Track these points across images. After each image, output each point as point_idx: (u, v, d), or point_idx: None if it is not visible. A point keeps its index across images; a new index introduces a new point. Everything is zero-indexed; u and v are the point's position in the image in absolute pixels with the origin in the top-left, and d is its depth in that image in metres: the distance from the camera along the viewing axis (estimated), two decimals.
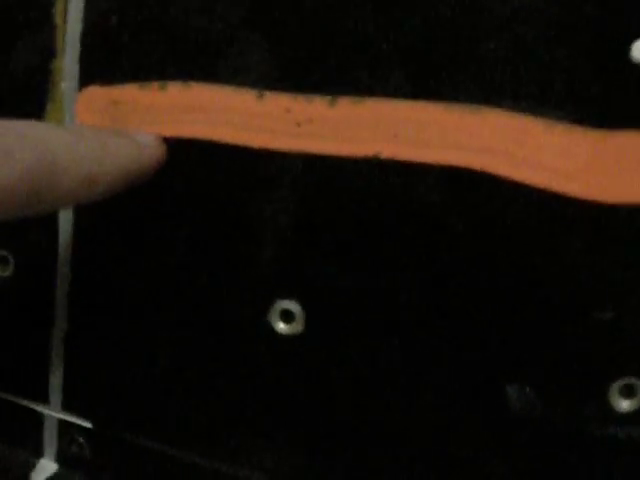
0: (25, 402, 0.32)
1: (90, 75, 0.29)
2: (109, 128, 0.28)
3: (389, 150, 0.26)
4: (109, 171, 0.26)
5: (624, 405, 0.27)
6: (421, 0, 0.26)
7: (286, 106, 0.27)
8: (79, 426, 0.31)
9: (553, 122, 0.25)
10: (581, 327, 0.26)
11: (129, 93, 0.28)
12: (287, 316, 0.28)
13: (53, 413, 0.31)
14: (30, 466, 0.32)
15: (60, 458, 0.32)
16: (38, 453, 0.32)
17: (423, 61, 0.26)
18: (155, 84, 0.28)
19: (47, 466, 0.32)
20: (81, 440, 0.31)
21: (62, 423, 0.31)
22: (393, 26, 0.26)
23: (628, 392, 0.27)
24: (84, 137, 0.25)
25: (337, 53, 0.27)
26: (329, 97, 0.27)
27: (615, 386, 0.27)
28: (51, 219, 0.30)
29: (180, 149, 0.28)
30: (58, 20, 0.29)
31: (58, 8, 0.29)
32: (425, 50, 0.26)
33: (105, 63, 0.28)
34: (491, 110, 0.26)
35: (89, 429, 0.30)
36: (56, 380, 0.31)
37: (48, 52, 0.29)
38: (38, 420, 0.31)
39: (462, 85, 0.26)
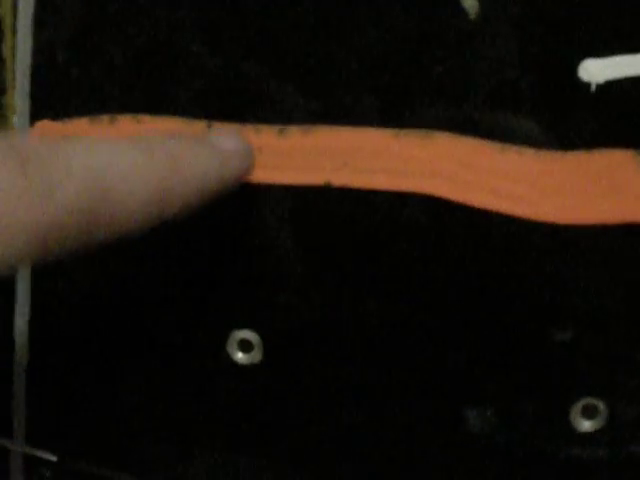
0: None
1: (41, 109, 0.28)
2: (186, 135, 0.25)
3: (339, 178, 0.26)
4: (182, 191, 0.23)
5: (586, 426, 0.27)
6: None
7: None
8: (44, 460, 0.31)
9: (504, 145, 0.25)
10: (541, 348, 0.26)
11: (79, 127, 0.28)
12: (245, 346, 0.28)
13: (17, 447, 0.31)
14: None
15: None
16: None
17: (391, 85, 0.26)
18: (105, 118, 0.28)
19: None
20: (47, 474, 0.31)
21: (27, 457, 0.31)
22: (356, 49, 0.26)
23: (590, 413, 0.27)
24: (150, 153, 0.22)
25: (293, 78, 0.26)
26: (278, 126, 0.26)
27: (576, 407, 0.27)
28: None
29: None
30: (7, 55, 0.29)
31: (7, 43, 0.28)
32: (392, 74, 0.26)
33: (55, 97, 0.28)
34: (441, 135, 0.26)
35: (54, 462, 0.30)
36: (19, 414, 0.31)
37: None
38: (3, 454, 0.31)
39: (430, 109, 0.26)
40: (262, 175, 0.27)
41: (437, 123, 0.26)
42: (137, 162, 0.22)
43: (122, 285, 0.29)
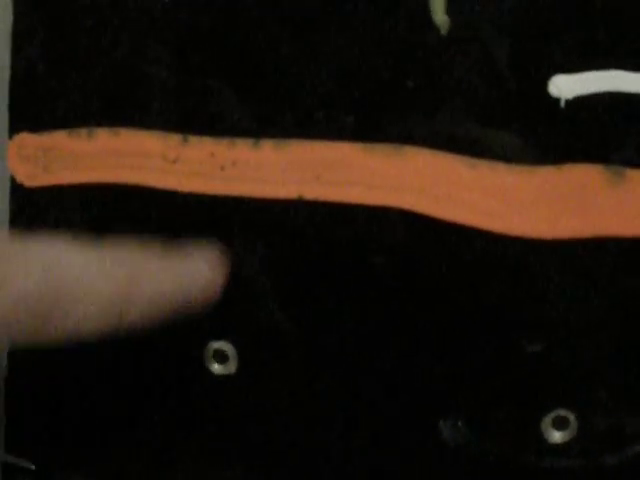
0: None
1: (20, 122, 0.29)
2: (156, 251, 0.24)
3: (312, 192, 0.26)
4: (136, 312, 0.23)
5: (557, 436, 0.27)
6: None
7: (210, 150, 0.27)
8: (22, 468, 0.31)
9: (475, 160, 0.26)
10: (512, 360, 0.27)
11: (58, 140, 0.28)
12: (221, 357, 0.28)
13: None
14: None
15: None
16: None
17: (365, 101, 0.26)
18: (83, 131, 0.28)
19: None
20: None
21: (6, 465, 0.31)
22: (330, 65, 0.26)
23: (561, 424, 0.27)
24: (110, 265, 0.23)
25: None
26: (252, 140, 0.27)
27: (547, 418, 0.27)
28: None
29: (111, 194, 0.28)
30: None
31: None
32: (365, 89, 0.26)
33: (34, 110, 0.29)
34: (412, 150, 0.26)
35: (33, 471, 0.31)
36: None
37: None
38: None
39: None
40: (236, 188, 0.27)
41: (412, 138, 0.26)
42: (97, 277, 0.22)
43: None
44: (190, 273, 0.24)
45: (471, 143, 0.26)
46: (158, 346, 0.29)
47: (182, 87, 0.28)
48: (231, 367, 0.28)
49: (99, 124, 0.28)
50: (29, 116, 0.29)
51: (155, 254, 0.24)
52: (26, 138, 0.29)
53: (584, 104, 0.25)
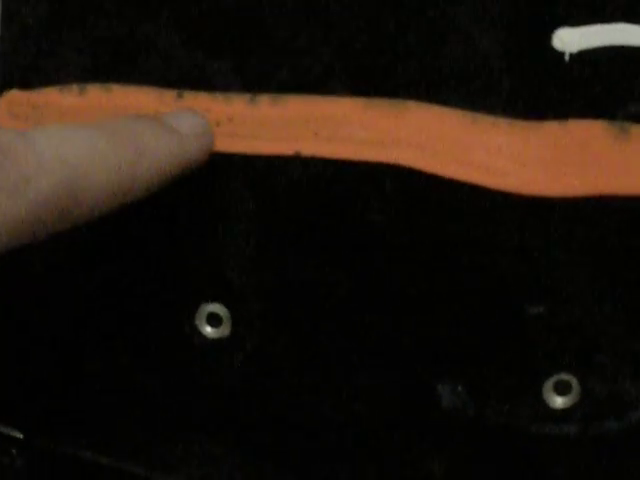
0: None
1: (10, 79, 0.28)
2: (147, 118, 0.25)
3: (309, 148, 0.26)
4: (145, 176, 0.23)
5: (559, 402, 0.26)
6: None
7: (206, 106, 0.26)
8: (10, 437, 0.30)
9: (477, 115, 0.25)
10: (514, 323, 0.26)
11: (49, 97, 0.28)
12: (214, 320, 0.28)
13: None
14: None
15: None
16: None
17: (366, 76, 0.26)
18: (75, 87, 0.27)
19: None
20: (13, 451, 0.30)
21: None
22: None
23: (563, 389, 0.26)
24: (116, 140, 0.23)
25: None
26: (248, 95, 0.26)
27: (549, 383, 0.26)
28: None
29: None
30: None
31: None
32: (367, 65, 0.26)
33: (25, 67, 0.28)
34: (414, 105, 0.25)
35: (21, 439, 0.30)
36: None
37: None
38: None
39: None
40: (232, 144, 0.26)
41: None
42: (101, 149, 0.23)
43: (84, 258, 0.28)
44: (182, 134, 0.25)
45: (473, 102, 0.25)
46: (149, 309, 0.28)
47: (178, 49, 0.27)
48: (224, 331, 0.27)
49: (92, 80, 0.27)
50: (20, 73, 0.28)
51: (149, 121, 0.25)
52: (16, 95, 0.28)
53: (589, 58, 0.25)
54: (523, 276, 0.26)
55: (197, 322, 0.28)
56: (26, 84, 0.28)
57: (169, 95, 0.27)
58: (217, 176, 0.27)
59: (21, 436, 0.30)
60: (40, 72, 0.28)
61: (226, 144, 0.26)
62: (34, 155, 0.21)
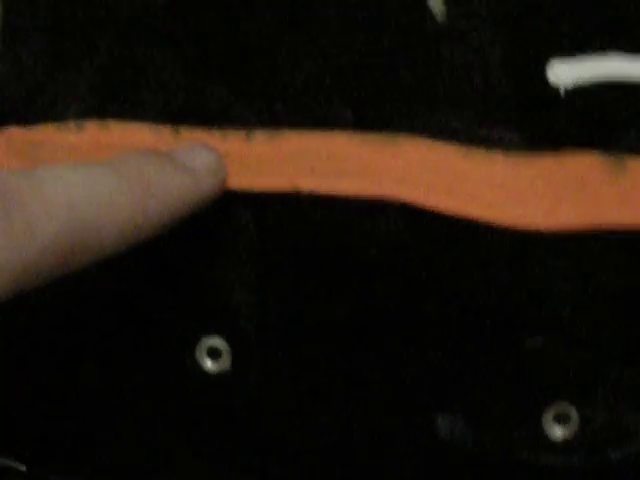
0: None
1: (8, 115, 0.28)
2: (157, 155, 0.24)
3: (307, 184, 0.26)
4: (156, 215, 0.23)
5: (558, 433, 0.26)
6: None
7: (202, 142, 0.26)
8: (14, 469, 0.30)
9: (471, 149, 0.25)
10: (512, 355, 0.26)
11: (47, 134, 0.28)
12: (214, 353, 0.28)
13: None
14: None
15: None
16: None
17: (364, 95, 0.26)
18: (72, 124, 0.27)
19: None
20: None
21: None
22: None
23: (562, 419, 0.26)
24: (124, 179, 0.22)
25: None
26: (245, 131, 0.26)
27: (548, 413, 0.26)
28: None
29: None
30: None
31: None
32: (364, 83, 0.26)
33: (21, 103, 0.28)
34: (408, 139, 0.25)
35: (24, 472, 0.30)
36: None
37: None
38: None
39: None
40: (230, 181, 0.26)
41: (411, 130, 0.26)
42: (109, 191, 0.22)
43: (86, 290, 0.28)
44: (195, 170, 0.24)
45: (469, 134, 0.25)
46: (150, 343, 0.28)
47: (174, 81, 0.27)
48: (224, 364, 0.28)
49: (89, 116, 0.28)
50: (17, 110, 0.28)
51: (160, 159, 0.24)
52: (14, 132, 0.28)
53: (584, 91, 0.25)
54: (521, 308, 0.26)
55: (198, 355, 0.28)
56: (24, 120, 0.28)
57: (166, 131, 0.27)
58: (218, 208, 0.27)
59: (24, 468, 0.30)
60: (37, 108, 0.28)
61: None
62: (41, 200, 0.20)
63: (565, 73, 0.25)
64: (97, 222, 0.21)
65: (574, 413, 0.26)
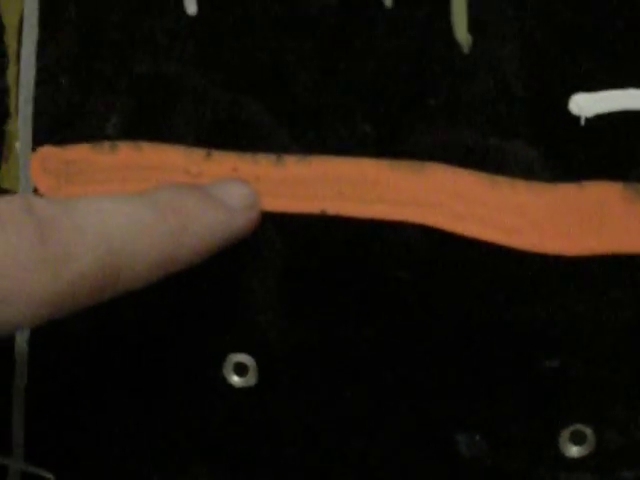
0: None
1: (43, 136, 0.29)
2: (193, 189, 0.24)
3: (335, 207, 0.27)
4: (189, 249, 0.23)
5: (574, 451, 0.27)
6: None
7: (234, 165, 0.27)
8: (43, 478, 0.31)
9: (495, 177, 0.26)
10: (530, 375, 0.27)
11: (81, 154, 0.28)
12: (241, 369, 0.28)
13: (16, 465, 0.31)
14: None
15: None
16: None
17: (386, 115, 0.26)
18: (106, 145, 0.28)
19: None
20: None
21: (26, 476, 0.31)
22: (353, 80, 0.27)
23: (578, 439, 0.27)
24: (159, 212, 0.22)
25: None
26: (275, 156, 0.27)
27: (565, 433, 0.27)
28: None
29: None
30: (11, 82, 0.29)
31: (11, 70, 0.29)
32: (387, 104, 0.26)
33: (57, 123, 0.29)
34: (433, 166, 0.26)
35: None
36: (18, 432, 0.31)
37: (1, 114, 0.29)
38: (1, 472, 0.32)
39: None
40: (262, 203, 0.27)
41: (431, 150, 0.26)
42: (146, 223, 0.22)
43: (119, 309, 0.29)
44: (230, 207, 0.25)
45: (490, 157, 0.26)
46: (178, 359, 0.29)
47: (208, 101, 0.28)
48: (250, 379, 0.28)
49: (122, 137, 0.28)
50: (52, 129, 0.29)
51: (196, 192, 0.24)
52: (49, 151, 0.29)
53: (604, 122, 0.25)
54: (539, 329, 0.26)
55: (225, 371, 0.29)
56: (58, 140, 0.29)
57: (198, 154, 0.28)
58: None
59: (52, 477, 0.31)
60: (72, 128, 0.29)
61: None
62: (77, 230, 0.21)
63: (586, 104, 0.25)
64: (131, 254, 0.22)
65: (590, 433, 0.27)
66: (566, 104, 0.26)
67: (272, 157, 0.27)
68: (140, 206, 0.23)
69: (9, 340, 0.30)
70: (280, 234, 0.27)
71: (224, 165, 0.27)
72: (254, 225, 0.26)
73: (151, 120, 0.28)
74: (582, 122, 0.25)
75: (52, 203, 0.21)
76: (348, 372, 0.28)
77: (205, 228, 0.23)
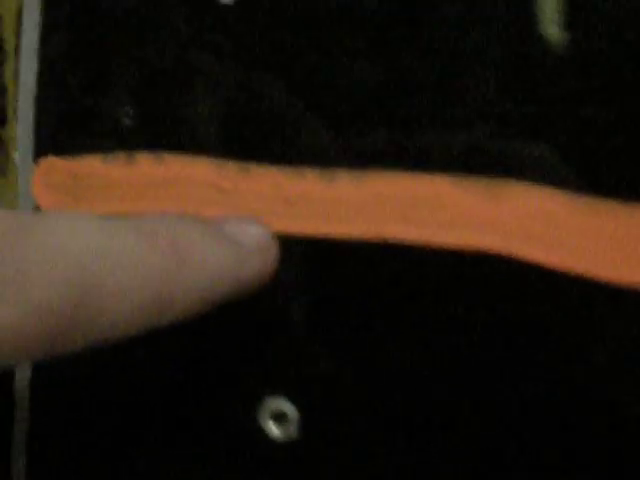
0: None
1: (47, 145, 0.25)
2: (200, 221, 0.21)
3: (395, 232, 0.23)
4: (187, 291, 0.19)
5: None
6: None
7: (275, 181, 0.24)
8: None
9: (573, 197, 0.22)
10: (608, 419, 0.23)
11: (92, 166, 0.25)
12: (280, 418, 0.25)
13: None
14: None
15: None
16: None
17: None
18: (121, 157, 0.24)
19: None
20: None
21: None
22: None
23: None
24: (152, 241, 0.19)
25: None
26: (325, 172, 0.23)
27: None
28: None
29: None
30: (8, 80, 0.26)
31: (8, 68, 0.25)
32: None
33: (63, 130, 0.25)
34: (507, 186, 0.23)
35: None
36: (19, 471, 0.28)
37: None
38: None
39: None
40: (304, 226, 0.23)
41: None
42: (135, 251, 0.19)
43: (133, 348, 0.25)
44: (242, 247, 0.21)
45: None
46: (207, 407, 0.25)
47: (223, 89, 0.24)
48: (292, 431, 0.25)
49: (137, 148, 0.24)
50: (58, 137, 0.25)
51: (199, 225, 0.21)
52: (54, 163, 0.25)
53: None
54: (615, 368, 0.23)
55: (260, 419, 0.25)
56: (64, 150, 0.25)
57: (231, 167, 0.24)
58: (288, 260, 0.24)
59: None
60: (79, 136, 0.25)
61: (298, 226, 0.23)
62: (38, 254, 0.17)
63: None
64: (109, 287, 0.18)
65: None
66: None
67: (320, 172, 0.23)
68: (129, 230, 0.19)
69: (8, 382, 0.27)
70: (330, 270, 0.24)
71: (263, 181, 0.24)
72: (270, 270, 0.22)
73: (171, 132, 0.24)
74: None
75: (12, 216, 0.18)
76: (400, 422, 0.24)
77: (209, 267, 0.20)
